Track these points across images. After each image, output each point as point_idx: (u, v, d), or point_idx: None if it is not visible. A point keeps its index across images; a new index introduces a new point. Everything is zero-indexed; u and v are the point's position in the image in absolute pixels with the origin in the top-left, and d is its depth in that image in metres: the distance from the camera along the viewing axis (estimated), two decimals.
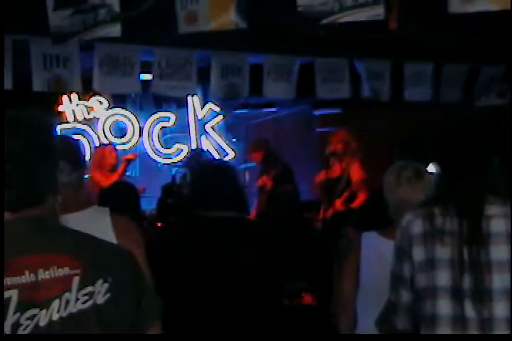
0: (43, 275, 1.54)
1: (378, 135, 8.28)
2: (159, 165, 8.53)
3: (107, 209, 2.54)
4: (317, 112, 9.55)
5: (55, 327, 1.52)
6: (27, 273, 1.53)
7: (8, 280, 1.51)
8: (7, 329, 1.49)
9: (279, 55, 6.85)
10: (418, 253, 2.10)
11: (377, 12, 4.02)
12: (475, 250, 2.03)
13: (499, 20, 4.96)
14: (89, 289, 1.56)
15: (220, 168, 3.22)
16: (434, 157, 2.28)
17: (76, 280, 1.55)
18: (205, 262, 2.93)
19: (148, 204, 7.14)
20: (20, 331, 1.50)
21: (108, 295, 1.57)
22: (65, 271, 1.55)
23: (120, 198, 3.97)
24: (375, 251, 2.77)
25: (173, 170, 8.07)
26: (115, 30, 4.41)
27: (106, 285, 1.57)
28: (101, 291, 1.57)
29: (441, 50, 6.89)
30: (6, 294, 1.50)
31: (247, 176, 7.86)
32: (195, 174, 3.23)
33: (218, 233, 2.99)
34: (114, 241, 2.33)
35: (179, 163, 8.28)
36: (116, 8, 4.37)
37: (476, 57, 7.16)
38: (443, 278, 2.05)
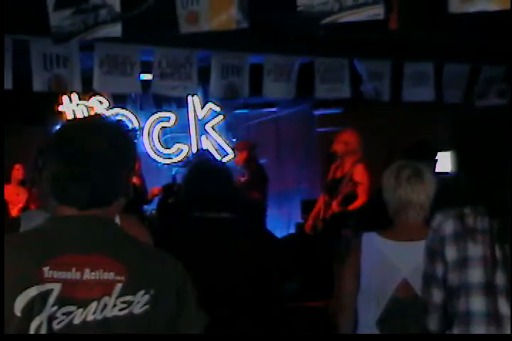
0: (89, 275, 1.56)
1: (378, 135, 8.28)
2: (159, 165, 8.54)
3: None
4: (317, 112, 9.55)
5: (88, 327, 1.54)
6: (73, 270, 1.55)
7: (53, 273, 1.54)
8: (43, 321, 1.52)
9: (279, 55, 6.84)
10: (450, 253, 2.12)
11: (377, 12, 4.02)
12: (507, 248, 2.04)
13: (499, 20, 4.96)
14: (128, 298, 1.57)
15: (215, 168, 3.21)
16: (459, 156, 2.27)
17: (118, 286, 1.57)
18: (203, 262, 2.93)
19: (148, 204, 7.15)
20: (54, 324, 1.53)
21: (146, 307, 1.58)
22: (110, 275, 1.57)
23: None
24: (376, 251, 2.77)
25: (173, 170, 8.08)
26: (116, 30, 4.41)
27: (146, 296, 1.59)
28: (140, 302, 1.58)
29: (442, 50, 6.89)
30: (49, 286, 1.53)
31: None
32: (190, 175, 3.24)
33: (216, 234, 2.99)
34: None
35: (179, 163, 8.29)
36: (117, 8, 4.37)
37: (476, 57, 7.16)
38: (476, 275, 2.07)
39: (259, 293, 2.98)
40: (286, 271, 3.47)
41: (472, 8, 3.91)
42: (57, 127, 1.71)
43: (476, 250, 2.07)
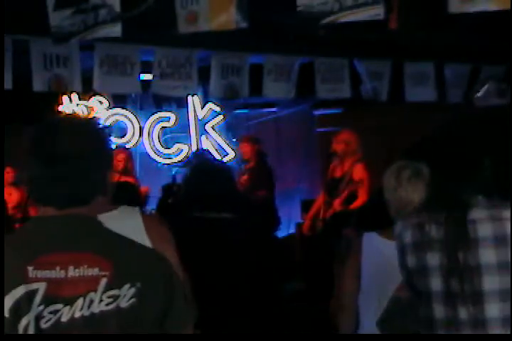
0: (73, 272, 1.57)
1: (378, 135, 8.28)
2: (159, 165, 8.53)
3: (137, 208, 2.55)
4: (317, 112, 9.55)
5: (76, 324, 1.55)
6: (58, 268, 1.56)
7: (38, 273, 1.55)
8: (30, 320, 1.53)
9: (279, 55, 6.84)
10: (411, 262, 2.14)
11: (377, 12, 4.02)
12: (461, 255, 2.04)
13: (499, 20, 4.96)
14: (114, 292, 1.58)
15: (216, 168, 3.21)
16: (427, 159, 2.28)
17: (103, 281, 1.58)
18: (203, 262, 2.93)
19: (148, 204, 7.15)
20: (42, 323, 1.54)
21: (133, 300, 1.59)
22: (94, 271, 1.58)
23: (122, 197, 3.97)
24: (376, 251, 2.77)
25: (173, 170, 8.07)
26: (116, 30, 4.41)
27: (132, 290, 1.59)
28: (126, 295, 1.59)
29: (442, 50, 6.89)
30: (34, 286, 1.54)
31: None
32: (190, 175, 3.24)
33: (216, 234, 2.99)
34: (147, 240, 2.34)
35: (179, 163, 8.29)
36: (117, 8, 4.37)
37: (476, 57, 7.16)
38: (435, 284, 2.08)
39: (259, 293, 2.98)
40: (287, 271, 3.47)
41: (472, 8, 3.92)
42: (33, 128, 1.71)
43: (433, 259, 2.08)
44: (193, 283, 2.91)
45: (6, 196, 7.19)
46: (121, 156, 7.10)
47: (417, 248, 2.11)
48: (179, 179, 7.10)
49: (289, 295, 5.18)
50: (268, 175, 7.49)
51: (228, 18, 4.30)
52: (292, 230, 8.61)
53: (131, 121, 8.29)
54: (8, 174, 7.64)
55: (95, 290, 1.56)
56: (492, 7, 3.91)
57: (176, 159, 8.42)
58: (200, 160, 5.85)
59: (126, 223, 2.26)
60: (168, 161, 8.47)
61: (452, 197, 2.10)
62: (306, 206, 8.09)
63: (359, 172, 6.48)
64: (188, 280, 2.32)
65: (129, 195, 4.05)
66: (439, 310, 2.07)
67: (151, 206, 7.24)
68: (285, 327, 3.27)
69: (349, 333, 2.85)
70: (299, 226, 8.02)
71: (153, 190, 7.36)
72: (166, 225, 2.57)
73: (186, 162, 7.98)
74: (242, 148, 7.69)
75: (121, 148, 7.50)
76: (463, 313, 2.03)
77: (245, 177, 7.51)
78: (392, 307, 2.66)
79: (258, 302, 2.98)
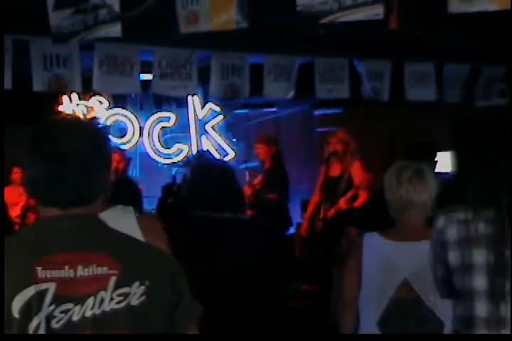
0: (82, 272, 1.57)
1: (378, 135, 8.28)
2: (159, 165, 8.54)
3: (131, 208, 2.56)
4: (317, 112, 9.54)
5: (87, 323, 1.55)
6: (67, 268, 1.57)
7: (47, 273, 1.55)
8: (41, 320, 1.53)
9: (279, 55, 6.84)
10: (453, 258, 2.14)
11: (377, 12, 4.02)
12: (508, 253, 2.05)
13: (499, 20, 4.96)
14: (124, 290, 1.59)
15: (219, 168, 3.21)
16: (458, 156, 2.27)
17: (113, 280, 1.58)
18: (204, 261, 2.93)
19: (149, 204, 7.15)
20: (53, 323, 1.54)
21: (143, 297, 1.60)
22: (103, 270, 1.59)
23: (121, 195, 3.97)
24: (377, 251, 2.77)
25: (173, 170, 8.07)
26: (116, 30, 4.42)
27: (142, 287, 1.61)
28: (136, 293, 1.60)
29: (441, 50, 6.89)
30: (44, 286, 1.54)
31: (248, 176, 7.85)
32: (193, 174, 3.24)
33: (217, 233, 2.99)
34: (142, 238, 2.35)
35: (179, 163, 8.29)
36: (117, 8, 4.37)
37: (476, 57, 7.16)
38: (479, 281, 2.08)
39: (260, 293, 2.98)
40: (287, 271, 3.47)
41: (472, 8, 3.92)
42: (34, 128, 1.70)
43: (479, 256, 2.08)
44: (193, 282, 2.91)
45: (16, 196, 7.20)
46: (115, 157, 7.09)
47: (462, 244, 2.12)
48: (179, 179, 7.10)
49: (289, 295, 5.17)
50: (282, 178, 7.37)
51: (228, 18, 4.30)
52: (292, 230, 8.61)
53: (131, 121, 8.30)
54: (17, 174, 7.64)
55: (105, 289, 1.57)
56: (492, 7, 3.91)
57: (175, 159, 8.43)
58: (201, 160, 5.85)
59: (121, 221, 2.27)
60: (168, 161, 8.47)
61: (500, 196, 2.11)
62: (306, 206, 8.09)
63: (357, 170, 6.50)
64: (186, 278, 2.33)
65: (129, 194, 4.05)
66: (480, 308, 2.07)
67: (151, 206, 7.24)
68: (285, 327, 3.27)
69: (349, 333, 2.85)
70: (298, 226, 8.02)
71: (153, 190, 7.36)
72: (160, 223, 2.59)
73: (186, 162, 7.98)
74: (257, 149, 7.48)
75: (116, 148, 7.50)
76: (505, 311, 2.04)
77: (259, 178, 7.46)
78: (392, 308, 2.66)
79: (259, 302, 2.98)
